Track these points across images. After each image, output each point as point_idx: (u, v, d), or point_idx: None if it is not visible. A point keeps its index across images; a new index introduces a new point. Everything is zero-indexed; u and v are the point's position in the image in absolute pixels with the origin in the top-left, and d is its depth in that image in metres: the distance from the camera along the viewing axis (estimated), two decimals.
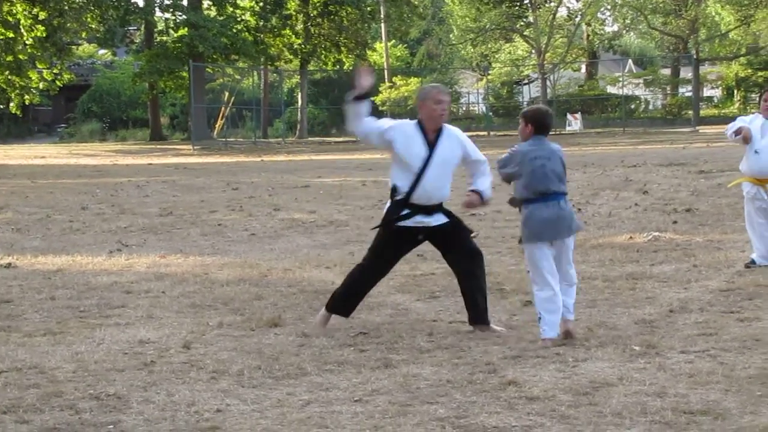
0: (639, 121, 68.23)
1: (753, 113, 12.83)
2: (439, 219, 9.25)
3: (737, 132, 12.12)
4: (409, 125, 9.28)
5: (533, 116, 8.97)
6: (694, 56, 69.19)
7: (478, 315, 9.27)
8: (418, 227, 9.20)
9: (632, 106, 72.91)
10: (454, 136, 9.28)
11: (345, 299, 9.47)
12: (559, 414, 6.58)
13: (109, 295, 11.42)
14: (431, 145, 9.14)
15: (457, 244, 9.39)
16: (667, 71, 77.45)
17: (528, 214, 8.76)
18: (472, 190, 9.37)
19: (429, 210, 9.20)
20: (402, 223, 9.18)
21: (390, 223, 9.23)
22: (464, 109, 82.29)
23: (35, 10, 51.14)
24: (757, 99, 62.88)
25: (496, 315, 9.79)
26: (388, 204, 9.35)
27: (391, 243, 9.33)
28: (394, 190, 9.23)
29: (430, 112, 9.18)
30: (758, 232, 12.24)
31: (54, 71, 56.29)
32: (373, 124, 9.26)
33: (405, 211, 9.15)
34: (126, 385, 7.48)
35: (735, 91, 74.31)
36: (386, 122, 9.44)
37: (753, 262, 12.21)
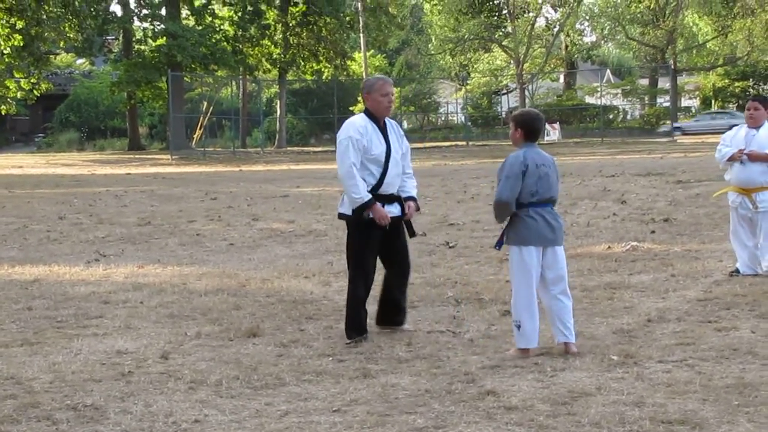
0: (617, 131, 68.51)
1: (737, 126, 12.90)
2: (398, 207, 9.38)
3: (731, 159, 12.22)
4: (361, 121, 9.27)
5: (522, 120, 8.83)
6: (672, 66, 69.54)
7: (398, 316, 9.55)
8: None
9: (610, 116, 73.18)
10: (395, 125, 9.45)
11: (358, 318, 9.31)
12: (537, 424, 6.58)
13: (86, 305, 11.38)
14: (385, 135, 9.27)
15: (402, 238, 9.48)
16: (645, 81, 77.82)
17: (522, 218, 8.67)
18: (408, 198, 9.43)
19: (391, 200, 9.32)
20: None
21: (360, 216, 9.18)
22: (443, 119, 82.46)
23: (13, 19, 50.99)
24: (734, 109, 63.22)
25: (475, 325, 9.80)
26: (345, 200, 9.33)
27: (371, 237, 9.28)
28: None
29: (377, 105, 9.25)
30: (741, 242, 12.29)
31: (32, 81, 56.16)
32: (356, 169, 9.14)
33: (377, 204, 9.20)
34: (103, 396, 7.45)
35: (712, 101, 74.66)
36: (350, 147, 9.17)
37: (737, 271, 12.25)
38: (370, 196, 9.08)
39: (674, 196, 21.93)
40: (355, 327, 9.26)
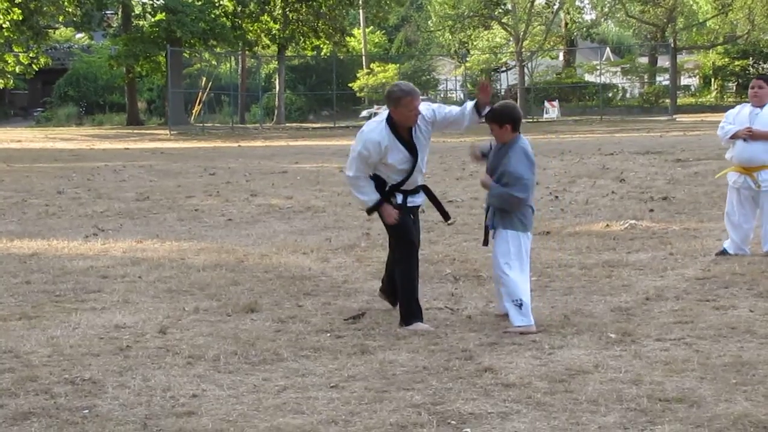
0: (616, 110, 68.42)
1: (741, 104, 12.85)
2: (421, 197, 9.33)
3: (734, 136, 12.18)
4: (381, 136, 8.87)
5: (508, 115, 8.89)
6: (672, 45, 69.40)
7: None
8: (411, 207, 9.22)
9: (610, 95, 73.06)
10: (423, 120, 9.03)
11: (412, 303, 9.10)
12: (534, 401, 6.59)
13: (84, 279, 11.38)
14: (409, 144, 8.95)
15: (418, 226, 9.47)
16: (644, 60, 77.67)
17: (526, 206, 8.85)
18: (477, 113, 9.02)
19: (415, 191, 9.23)
20: (402, 203, 9.13)
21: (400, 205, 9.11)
22: (442, 96, 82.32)
23: None
24: (734, 88, 62.99)
25: (473, 302, 9.82)
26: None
27: (407, 218, 9.20)
28: (378, 178, 9.06)
29: (404, 119, 8.87)
30: (736, 222, 12.27)
31: (30, 55, 56.01)
32: (364, 176, 9.05)
33: (399, 195, 9.12)
34: (101, 370, 7.45)
35: (712, 80, 74.54)
36: (356, 160, 8.99)
37: (724, 251, 12.25)
38: (377, 196, 8.99)
39: (673, 175, 21.92)
40: (415, 311, 9.04)
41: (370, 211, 9.20)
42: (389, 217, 9.02)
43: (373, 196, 9.00)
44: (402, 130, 8.92)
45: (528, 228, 8.89)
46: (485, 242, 9.18)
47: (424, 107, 9.03)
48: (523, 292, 8.70)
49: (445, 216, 9.62)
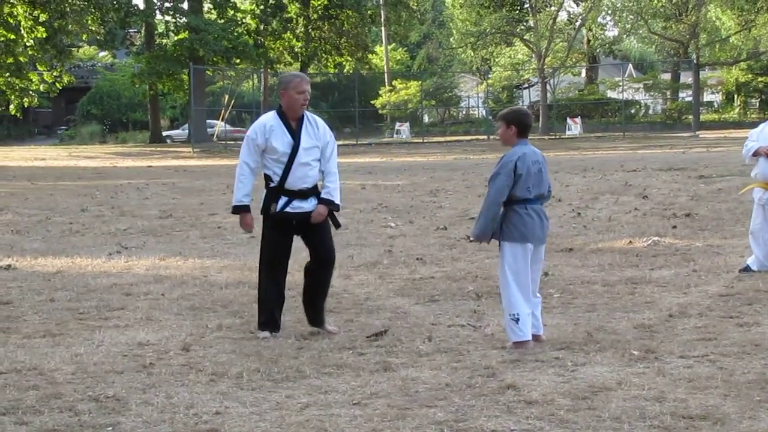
0: (639, 126, 68.31)
1: (764, 120, 12.83)
2: (311, 203, 9.40)
3: (755, 153, 12.16)
4: (268, 118, 9.40)
5: (515, 117, 8.90)
6: (695, 61, 69.28)
7: (317, 316, 9.51)
8: (294, 213, 9.34)
9: (632, 111, 72.98)
10: (316, 123, 9.42)
11: (268, 313, 9.41)
12: (557, 418, 6.58)
13: (108, 297, 11.42)
14: (294, 133, 9.26)
15: (319, 236, 9.47)
16: (667, 76, 77.48)
17: (520, 215, 8.74)
18: (322, 200, 9.40)
19: (304, 195, 9.35)
20: (280, 210, 9.32)
21: (268, 211, 9.40)
22: (464, 113, 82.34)
23: (36, 11, 51.11)
24: (757, 104, 62.70)
25: (495, 318, 9.80)
26: (264, 194, 9.48)
27: (276, 233, 9.41)
28: (267, 178, 9.43)
29: (292, 102, 9.25)
30: (761, 239, 12.22)
31: (54, 73, 56.27)
32: (250, 168, 9.52)
33: (283, 199, 9.34)
34: (125, 387, 7.47)
35: (735, 96, 74.34)
36: (245, 146, 9.48)
37: (747, 268, 12.20)
38: (244, 202, 9.48)
39: (696, 191, 21.86)
40: (270, 322, 9.38)
41: (233, 210, 9.63)
42: (244, 225, 9.62)
43: (240, 197, 9.48)
44: (290, 116, 9.31)
45: (528, 238, 8.73)
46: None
47: (328, 133, 9.47)
48: (520, 306, 8.63)
49: (336, 224, 9.67)
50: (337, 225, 9.65)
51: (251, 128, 9.46)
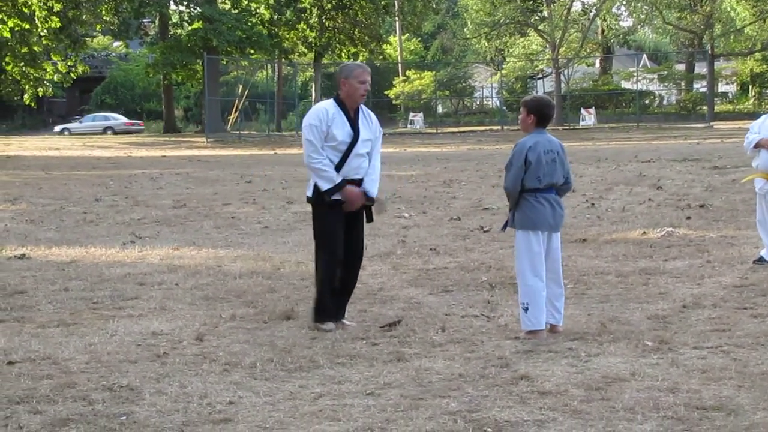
0: (653, 117, 68.16)
1: (766, 112, 12.82)
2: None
3: (757, 145, 12.14)
4: (326, 107, 9.22)
5: (536, 106, 8.89)
6: (709, 52, 69.08)
7: (340, 308, 9.42)
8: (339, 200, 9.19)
9: (646, 102, 72.82)
10: (370, 115, 9.40)
11: (327, 302, 9.27)
12: (571, 409, 6.57)
13: (122, 286, 11.44)
14: (354, 123, 9.18)
15: (356, 230, 9.38)
16: (681, 67, 77.31)
17: (531, 203, 8.73)
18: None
19: (355, 184, 9.22)
20: (334, 197, 9.14)
21: (320, 198, 9.18)
22: (478, 103, 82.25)
23: (50, 2, 51.18)
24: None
25: (509, 309, 9.78)
26: (313, 181, 9.27)
27: (332, 221, 9.24)
28: None
29: (352, 91, 9.15)
30: None
31: (68, 63, 56.35)
32: (322, 154, 9.16)
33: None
34: (139, 377, 7.49)
35: (750, 87, 74.13)
36: (310, 134, 9.16)
37: (761, 259, 12.17)
38: (341, 178, 9.08)
39: (710, 182, 21.82)
40: (325, 311, 9.23)
41: (331, 191, 9.07)
42: (353, 202, 9.07)
43: (333, 177, 9.04)
44: (349, 106, 9.20)
45: (538, 226, 8.71)
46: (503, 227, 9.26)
47: (379, 127, 9.45)
48: (531, 295, 8.64)
49: (369, 217, 9.54)
50: (370, 219, 9.56)
51: (311, 116, 9.21)
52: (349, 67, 9.37)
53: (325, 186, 9.07)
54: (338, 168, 9.13)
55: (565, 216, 9.08)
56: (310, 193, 9.36)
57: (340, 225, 9.23)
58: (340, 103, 9.21)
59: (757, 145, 12.15)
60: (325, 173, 9.05)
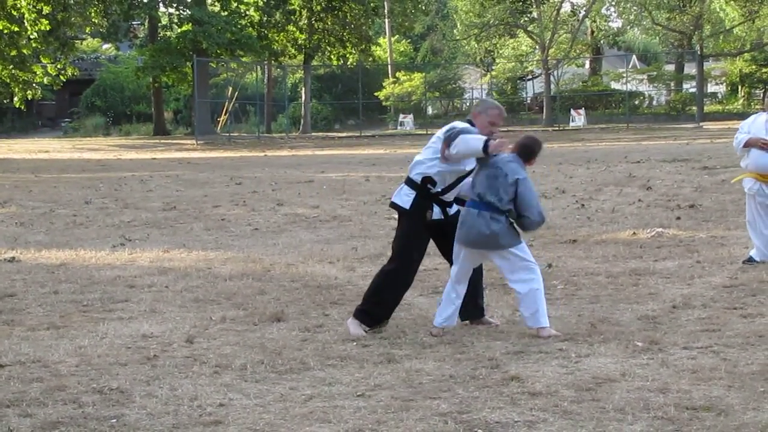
0: (642, 117, 68.14)
1: (756, 112, 12.83)
2: (454, 209, 9.23)
3: (746, 145, 12.16)
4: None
5: (524, 145, 9.01)
6: (699, 52, 69.13)
7: (480, 310, 9.38)
8: (439, 220, 9.15)
9: (636, 102, 72.77)
10: None
11: (380, 310, 9.20)
12: (561, 409, 6.58)
13: (112, 289, 11.43)
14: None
15: (450, 241, 9.29)
16: (671, 67, 77.35)
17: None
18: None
19: (450, 204, 9.20)
20: (435, 217, 9.10)
21: (421, 212, 9.06)
22: (468, 104, 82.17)
23: (39, 4, 51.01)
24: (761, 95, 62.63)
25: (499, 310, 9.81)
26: (412, 195, 9.11)
27: (422, 239, 9.20)
28: (430, 181, 9.06)
29: (484, 130, 8.93)
30: (758, 229, 12.23)
31: (58, 66, 56.19)
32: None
33: (437, 207, 9.10)
34: (129, 379, 7.48)
35: (739, 87, 74.19)
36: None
37: (751, 259, 12.20)
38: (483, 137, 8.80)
39: (700, 182, 21.85)
40: (376, 318, 9.15)
41: (485, 149, 8.66)
42: (501, 145, 8.70)
43: (481, 137, 8.75)
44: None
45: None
46: None
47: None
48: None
49: None
50: None
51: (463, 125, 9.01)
52: (488, 103, 9.35)
53: (481, 142, 8.68)
54: (446, 190, 9.10)
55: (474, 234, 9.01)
56: (400, 202, 9.19)
57: (423, 243, 9.25)
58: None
59: (747, 145, 12.17)
60: (470, 139, 8.79)
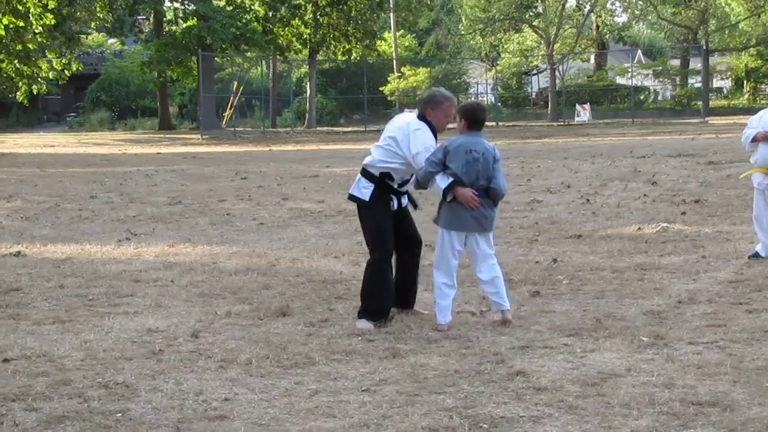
0: (648, 112, 68.13)
1: (762, 106, 12.81)
2: (406, 197, 9.57)
3: (754, 139, 12.14)
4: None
5: (465, 111, 9.18)
6: (704, 47, 69.05)
7: (411, 299, 9.65)
8: (395, 211, 9.39)
9: (641, 97, 72.79)
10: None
11: (377, 302, 9.26)
12: (566, 404, 6.58)
13: (117, 283, 11.43)
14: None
15: (409, 218, 9.64)
16: (676, 62, 77.31)
17: (451, 203, 9.00)
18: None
19: (403, 193, 9.50)
20: (397, 207, 9.38)
21: (382, 202, 9.28)
22: (473, 99, 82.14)
23: None
24: (767, 90, 62.42)
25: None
26: (370, 186, 9.28)
27: (392, 224, 9.35)
28: (387, 176, 9.27)
29: (440, 124, 9.23)
30: (764, 225, 12.20)
31: (63, 60, 56.21)
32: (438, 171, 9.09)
33: (394, 197, 9.35)
34: (134, 374, 7.49)
35: (744, 82, 74.17)
36: (437, 152, 9.04)
37: (756, 254, 12.18)
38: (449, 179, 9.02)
39: (705, 177, 21.82)
40: (379, 311, 9.21)
41: (446, 193, 9.00)
42: (472, 200, 8.91)
43: (447, 180, 8.98)
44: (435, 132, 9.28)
45: (453, 227, 9.06)
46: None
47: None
48: (436, 290, 9.09)
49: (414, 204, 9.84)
50: (415, 206, 9.90)
51: (430, 134, 9.18)
52: (436, 98, 9.34)
53: (444, 184, 9.01)
54: (402, 185, 9.43)
55: (494, 218, 9.15)
56: (357, 194, 9.38)
57: (391, 223, 9.37)
58: (429, 126, 9.27)
59: (755, 139, 12.14)
60: (437, 176, 9.10)
